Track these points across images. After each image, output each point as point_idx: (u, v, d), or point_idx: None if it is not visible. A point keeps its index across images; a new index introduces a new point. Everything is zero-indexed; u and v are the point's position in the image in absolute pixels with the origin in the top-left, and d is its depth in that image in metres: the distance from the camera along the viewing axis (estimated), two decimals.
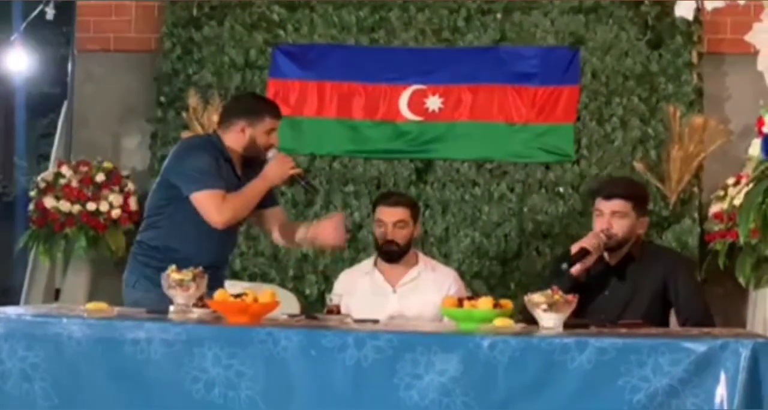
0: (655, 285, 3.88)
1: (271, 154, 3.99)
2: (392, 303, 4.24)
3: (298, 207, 5.57)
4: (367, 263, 4.42)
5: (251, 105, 4.11)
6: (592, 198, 4.06)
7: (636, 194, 3.97)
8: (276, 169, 3.96)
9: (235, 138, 4.00)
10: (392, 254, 4.25)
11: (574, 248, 3.83)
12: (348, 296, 3.93)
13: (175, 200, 3.92)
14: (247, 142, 3.99)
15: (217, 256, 3.96)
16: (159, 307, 3.49)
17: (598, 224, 3.91)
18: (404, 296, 4.25)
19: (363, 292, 4.22)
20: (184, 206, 3.89)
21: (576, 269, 3.79)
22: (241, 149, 4.00)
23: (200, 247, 3.90)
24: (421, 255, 4.44)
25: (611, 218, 3.88)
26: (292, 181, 4.11)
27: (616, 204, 3.89)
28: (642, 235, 3.99)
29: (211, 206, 3.86)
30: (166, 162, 4.04)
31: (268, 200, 4.08)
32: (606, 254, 3.92)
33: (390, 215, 4.25)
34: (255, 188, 3.94)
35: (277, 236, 4.17)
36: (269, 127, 4.01)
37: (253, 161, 4.02)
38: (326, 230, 3.99)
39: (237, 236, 4.22)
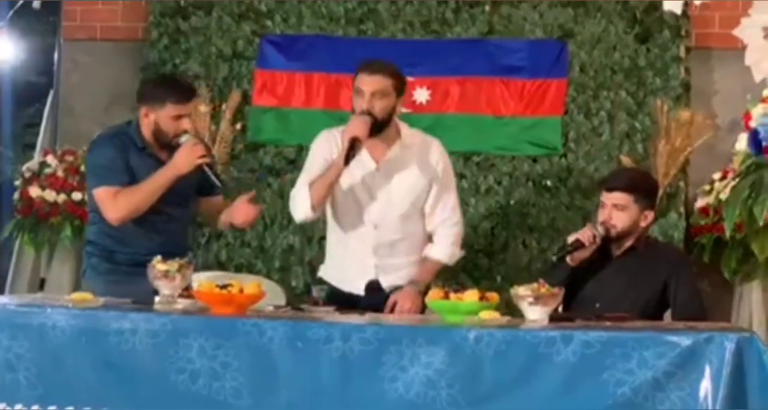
0: (656, 283, 3.89)
1: (183, 139, 3.88)
2: (377, 180, 4.01)
3: (284, 199, 5.53)
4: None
5: (153, 90, 4.01)
6: (599, 190, 4.08)
7: (639, 187, 3.96)
8: (183, 157, 3.85)
9: (143, 124, 3.95)
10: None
11: (570, 239, 3.85)
12: (329, 158, 3.92)
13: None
14: (153, 127, 3.92)
15: (154, 251, 3.65)
16: (108, 292, 3.59)
17: (600, 215, 3.94)
18: (388, 173, 4.01)
19: (348, 169, 3.94)
20: None
21: (569, 259, 3.81)
22: (151, 135, 3.93)
23: (126, 242, 3.92)
24: (403, 127, 4.10)
25: (612, 211, 3.90)
26: (199, 171, 3.92)
27: (617, 197, 3.91)
28: (647, 229, 4.00)
29: (105, 203, 3.86)
30: None
31: (209, 189, 4.03)
32: (610, 246, 3.93)
33: (369, 84, 3.92)
34: (159, 178, 3.86)
35: (202, 214, 4.22)
36: (173, 113, 3.88)
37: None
38: (240, 210, 3.98)
39: (183, 230, 4.07)
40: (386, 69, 4.01)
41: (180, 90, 3.96)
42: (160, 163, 3.92)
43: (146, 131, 3.96)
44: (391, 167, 4.02)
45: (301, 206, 3.99)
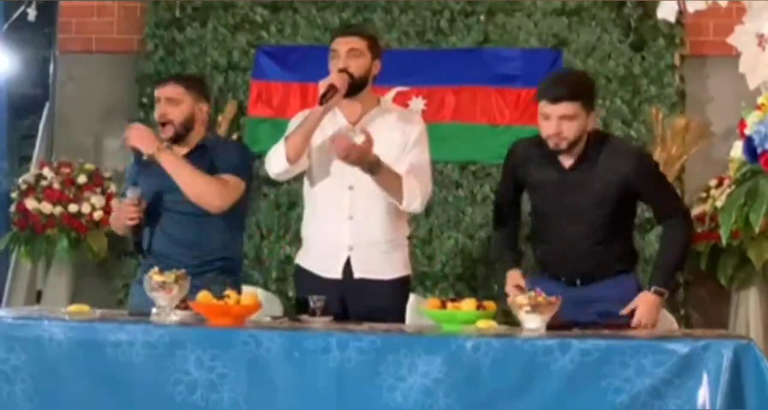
0: (615, 185, 3.68)
1: (129, 193, 3.87)
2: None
3: (281, 209, 5.57)
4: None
5: None
6: (537, 100, 3.70)
7: (584, 92, 3.68)
8: (116, 213, 3.96)
9: None
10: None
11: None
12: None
13: None
14: None
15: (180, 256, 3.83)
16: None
17: (546, 128, 3.64)
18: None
19: (321, 129, 3.89)
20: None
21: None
22: None
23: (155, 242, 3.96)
24: (383, 98, 4.16)
25: (560, 122, 3.62)
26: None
27: (565, 107, 3.61)
28: (591, 129, 3.73)
29: None
30: None
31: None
32: (560, 157, 3.73)
33: (344, 44, 3.91)
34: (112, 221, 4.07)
35: None
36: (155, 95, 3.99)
37: (206, 146, 3.96)
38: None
39: (212, 233, 3.93)
40: (361, 31, 4.13)
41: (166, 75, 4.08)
42: (153, 170, 3.90)
43: None
44: (367, 128, 3.90)
45: (276, 158, 3.88)
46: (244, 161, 3.98)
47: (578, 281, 3.75)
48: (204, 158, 3.91)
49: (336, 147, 3.68)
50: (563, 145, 3.65)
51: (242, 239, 4.19)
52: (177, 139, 3.92)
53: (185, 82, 3.98)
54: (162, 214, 3.91)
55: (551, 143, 3.66)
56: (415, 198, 3.85)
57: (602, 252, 3.75)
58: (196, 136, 3.96)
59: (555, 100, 3.61)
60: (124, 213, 3.85)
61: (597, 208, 3.71)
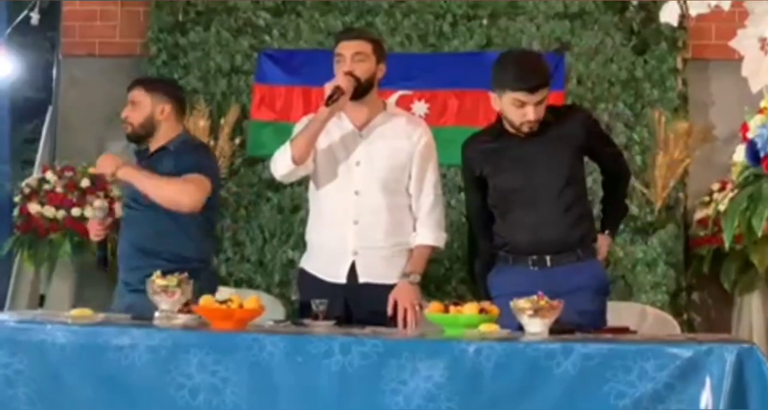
0: (569, 142, 3.75)
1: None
2: (359, 147, 3.97)
3: (284, 213, 5.56)
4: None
5: None
6: (507, 88, 3.64)
7: (550, 75, 3.73)
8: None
9: None
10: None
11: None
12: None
13: None
14: None
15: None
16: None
17: (523, 115, 3.64)
18: (371, 138, 3.98)
19: (327, 133, 3.95)
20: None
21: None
22: None
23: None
24: (389, 103, 4.23)
25: (536, 108, 3.63)
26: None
27: (541, 94, 3.63)
28: None
29: None
30: None
31: None
32: (507, 131, 3.77)
33: (349, 48, 3.94)
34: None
35: None
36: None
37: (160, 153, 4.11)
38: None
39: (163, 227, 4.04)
40: (365, 34, 4.14)
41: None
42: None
43: None
44: (373, 133, 3.99)
45: (281, 160, 3.94)
46: (203, 161, 4.07)
47: (548, 260, 3.71)
48: (165, 160, 4.04)
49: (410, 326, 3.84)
50: (536, 127, 3.69)
51: (212, 245, 4.26)
52: (138, 139, 4.15)
53: (146, 86, 4.18)
54: (129, 217, 4.12)
55: (526, 128, 3.68)
56: (441, 239, 4.06)
57: (568, 219, 3.73)
58: (164, 135, 4.11)
59: (533, 89, 3.62)
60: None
61: (557, 169, 3.72)
